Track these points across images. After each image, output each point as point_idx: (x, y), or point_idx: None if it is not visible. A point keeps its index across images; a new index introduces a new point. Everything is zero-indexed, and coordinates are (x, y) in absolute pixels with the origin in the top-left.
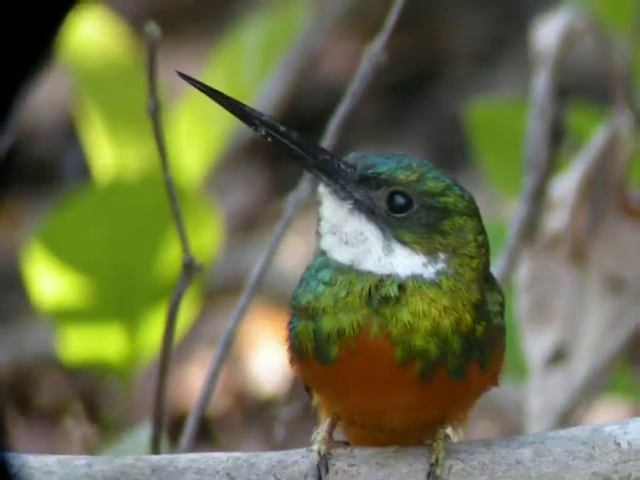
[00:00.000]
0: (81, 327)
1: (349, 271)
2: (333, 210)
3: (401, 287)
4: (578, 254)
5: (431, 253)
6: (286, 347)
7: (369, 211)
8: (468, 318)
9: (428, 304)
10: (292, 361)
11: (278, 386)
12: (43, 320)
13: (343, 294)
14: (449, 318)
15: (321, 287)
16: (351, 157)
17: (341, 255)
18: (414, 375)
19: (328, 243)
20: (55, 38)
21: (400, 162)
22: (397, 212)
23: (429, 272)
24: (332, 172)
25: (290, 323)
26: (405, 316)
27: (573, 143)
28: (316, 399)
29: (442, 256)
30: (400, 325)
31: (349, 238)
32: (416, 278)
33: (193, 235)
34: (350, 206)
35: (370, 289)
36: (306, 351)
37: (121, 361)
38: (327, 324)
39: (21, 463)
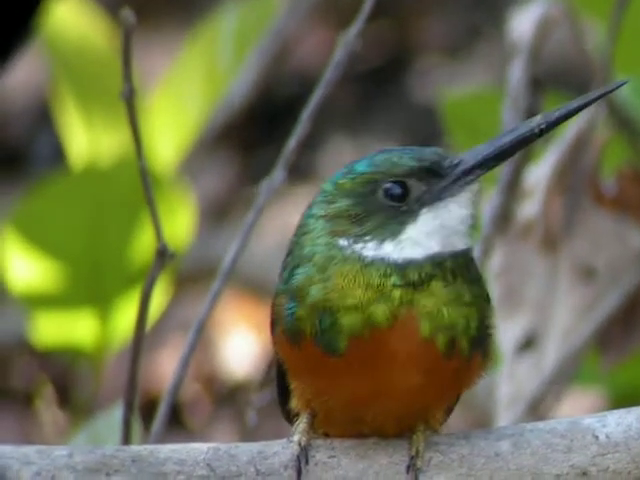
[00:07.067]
0: (53, 311)
1: (393, 263)
2: (470, 206)
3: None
4: (550, 242)
5: None
6: (275, 330)
7: None
8: (485, 293)
9: (471, 277)
10: (282, 346)
11: (249, 371)
12: (15, 304)
13: (380, 289)
14: (476, 291)
15: (347, 282)
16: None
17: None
18: (437, 351)
19: (435, 239)
20: (33, 20)
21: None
22: None
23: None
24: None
25: (285, 307)
26: (445, 289)
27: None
28: (295, 391)
29: None
30: (434, 298)
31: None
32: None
33: (166, 221)
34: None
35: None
36: (304, 338)
37: (93, 346)
38: (350, 319)
39: None
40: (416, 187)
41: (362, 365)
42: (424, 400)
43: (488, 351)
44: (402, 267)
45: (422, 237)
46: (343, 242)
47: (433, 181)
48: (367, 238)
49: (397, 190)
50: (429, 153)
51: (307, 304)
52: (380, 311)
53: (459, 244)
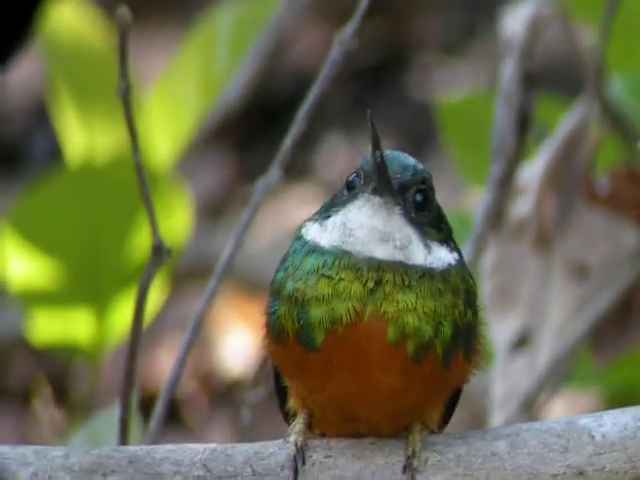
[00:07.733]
0: (51, 309)
1: (357, 260)
2: (384, 220)
3: (423, 275)
4: (543, 241)
5: (447, 243)
6: (263, 332)
7: (408, 215)
8: (461, 303)
9: (434, 289)
10: (269, 346)
11: (245, 369)
12: (13, 302)
13: (345, 283)
14: (447, 302)
15: (314, 276)
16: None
17: (375, 251)
18: (406, 355)
19: (360, 241)
20: (33, 20)
21: (411, 159)
22: (419, 209)
23: (449, 261)
24: (387, 183)
25: (270, 307)
26: (405, 297)
27: (540, 131)
28: (291, 391)
29: (451, 245)
30: (397, 304)
31: (400, 243)
32: (441, 268)
33: (163, 218)
34: (398, 215)
35: (380, 277)
36: (287, 336)
37: (90, 343)
38: (318, 312)
39: None
40: (359, 184)
41: (341, 362)
42: (410, 399)
43: (476, 352)
44: (323, 253)
45: (331, 227)
46: (304, 229)
47: (365, 184)
48: (315, 217)
49: (356, 182)
50: (376, 159)
51: (283, 298)
52: (341, 307)
53: (374, 251)
